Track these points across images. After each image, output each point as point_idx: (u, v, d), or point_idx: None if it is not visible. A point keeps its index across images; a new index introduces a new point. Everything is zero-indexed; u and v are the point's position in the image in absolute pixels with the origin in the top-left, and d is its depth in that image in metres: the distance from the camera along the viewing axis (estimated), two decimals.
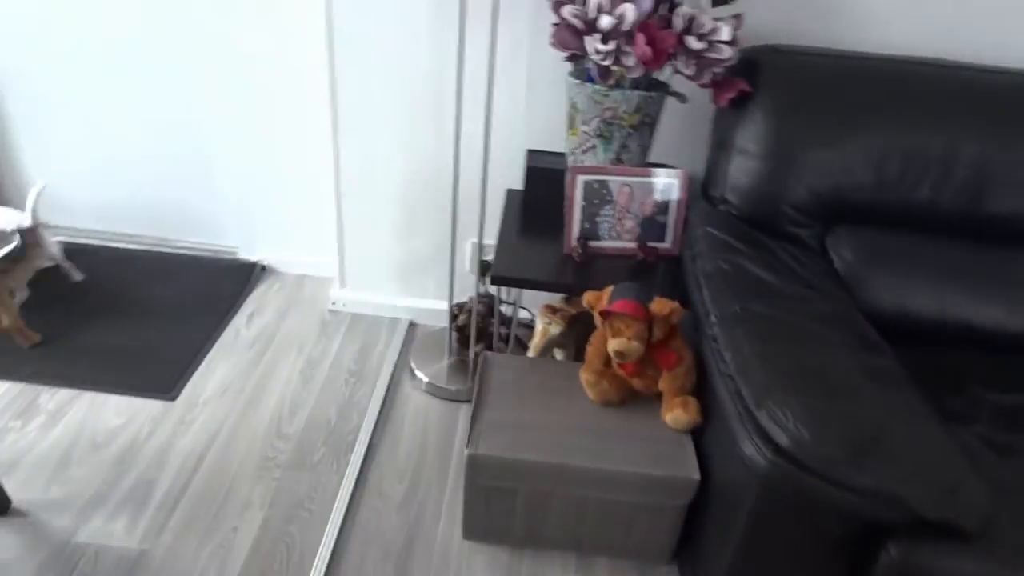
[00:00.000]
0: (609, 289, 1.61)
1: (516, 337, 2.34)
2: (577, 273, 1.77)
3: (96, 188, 2.70)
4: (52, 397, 2.06)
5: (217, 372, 2.21)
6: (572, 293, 1.83)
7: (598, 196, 1.79)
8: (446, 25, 1.97)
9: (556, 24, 1.54)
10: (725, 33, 1.53)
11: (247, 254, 2.74)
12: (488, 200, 2.23)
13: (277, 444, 1.98)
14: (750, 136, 1.67)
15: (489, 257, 2.20)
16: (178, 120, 2.54)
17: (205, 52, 2.35)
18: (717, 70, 1.58)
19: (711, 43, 1.53)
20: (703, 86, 1.62)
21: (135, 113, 2.54)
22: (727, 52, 1.54)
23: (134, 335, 2.31)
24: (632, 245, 1.84)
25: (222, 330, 2.40)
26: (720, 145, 1.76)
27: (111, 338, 2.28)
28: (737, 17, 1.56)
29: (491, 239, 2.30)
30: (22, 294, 2.37)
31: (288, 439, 2.00)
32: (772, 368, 1.28)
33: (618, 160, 1.78)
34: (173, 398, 2.11)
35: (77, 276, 2.48)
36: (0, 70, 2.49)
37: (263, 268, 2.74)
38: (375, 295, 2.53)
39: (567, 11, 1.49)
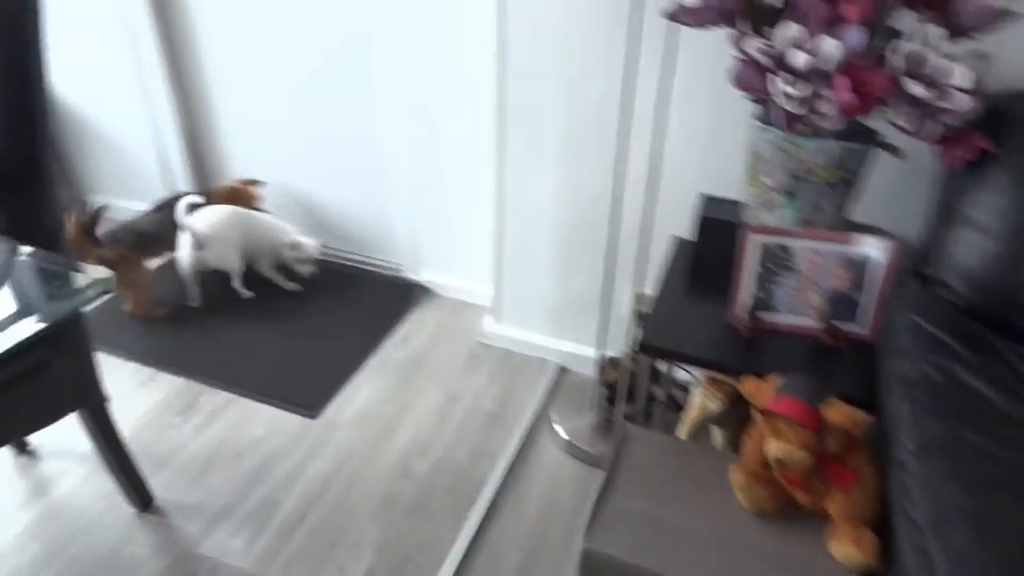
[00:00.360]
0: (775, 378, 1.33)
1: (671, 397, 2.09)
2: (742, 350, 1.50)
3: (275, 197, 2.85)
4: (212, 399, 2.16)
5: (360, 394, 2.20)
6: (732, 374, 1.56)
7: (777, 261, 1.50)
8: (618, 56, 1.79)
9: (738, 59, 1.29)
10: (962, 78, 1.19)
11: (411, 273, 2.73)
12: (652, 246, 2.01)
13: (401, 484, 1.90)
14: (988, 208, 1.30)
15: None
16: (358, 136, 2.60)
17: (386, 76, 2.37)
18: (948, 121, 1.25)
19: (941, 89, 1.21)
20: (926, 141, 1.28)
21: (316, 127, 2.63)
22: (964, 102, 1.20)
23: (296, 344, 2.38)
24: (814, 324, 1.53)
25: (375, 350, 2.40)
26: (945, 214, 1.40)
27: (275, 345, 2.37)
28: (982, 58, 1.22)
29: (652, 289, 2.07)
30: (271, 272, 2.66)
31: (413, 479, 1.92)
32: (981, 532, 0.95)
33: (807, 222, 1.49)
34: (315, 416, 2.12)
35: (245, 294, 2.64)
36: (206, 82, 2.71)
37: (424, 289, 2.72)
38: (527, 333, 2.41)
39: (752, 46, 1.24)
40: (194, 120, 2.82)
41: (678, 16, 1.35)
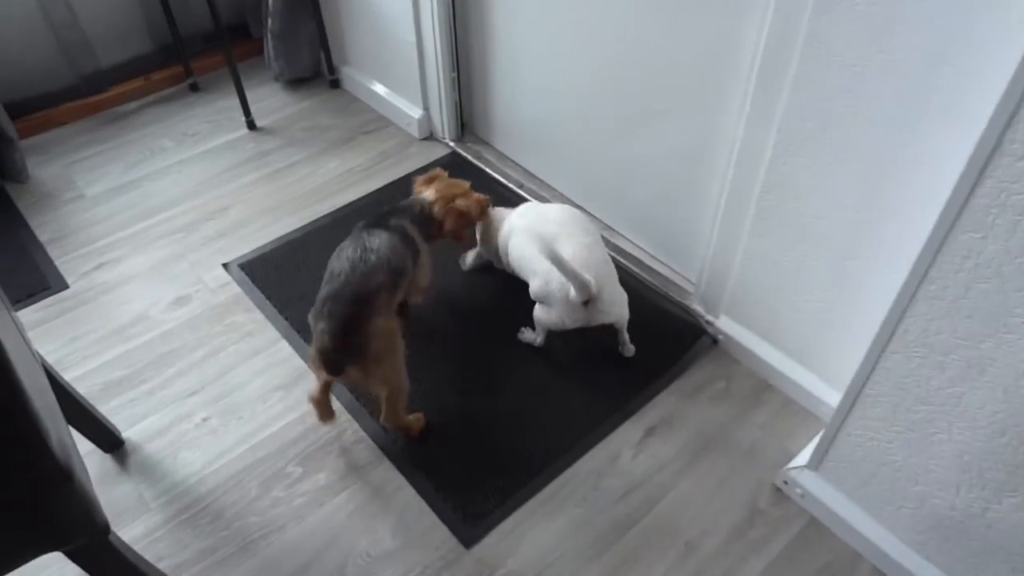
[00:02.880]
0: None
1: None
2: None
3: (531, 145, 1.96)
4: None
5: (546, 531, 1.38)
6: None
7: None
8: None
9: None
10: None
11: (704, 311, 1.72)
12: None
13: None
14: None
15: None
16: (684, 147, 1.56)
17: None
18: None
19: None
20: None
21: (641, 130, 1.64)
22: None
23: (532, 395, 1.59)
24: None
25: (606, 434, 1.53)
26: None
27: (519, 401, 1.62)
28: None
29: None
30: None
31: None
32: None
33: None
34: (466, 544, 1.36)
35: (630, 349, 1.69)
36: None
37: (715, 342, 1.70)
38: (861, 509, 1.31)
39: None
40: (469, 34, 2.01)
41: None
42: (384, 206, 1.61)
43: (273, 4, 2.36)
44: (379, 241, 1.43)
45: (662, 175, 1.73)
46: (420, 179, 1.66)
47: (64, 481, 0.89)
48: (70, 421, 1.41)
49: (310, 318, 1.37)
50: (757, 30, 1.28)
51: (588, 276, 1.44)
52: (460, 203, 1.59)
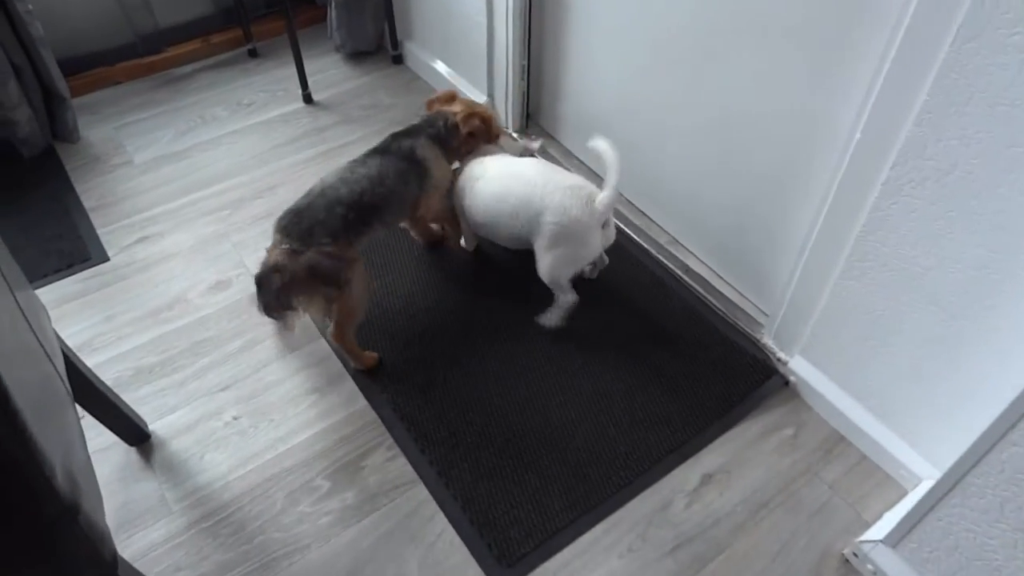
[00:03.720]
0: None
1: None
2: None
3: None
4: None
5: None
6: None
7: None
8: None
9: None
10: None
11: (776, 348, 1.57)
12: None
13: None
14: None
15: None
16: (775, 164, 1.40)
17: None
18: None
19: None
20: None
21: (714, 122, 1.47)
22: None
23: (579, 425, 1.48)
24: None
25: (659, 477, 1.40)
26: None
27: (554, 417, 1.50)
28: None
29: None
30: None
31: None
32: None
33: None
34: None
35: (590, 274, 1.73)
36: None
37: (787, 384, 1.55)
38: None
39: None
40: (544, 17, 1.86)
41: None
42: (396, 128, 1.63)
43: None
44: (364, 171, 1.48)
45: (745, 192, 1.57)
46: (436, 98, 1.69)
47: (70, 519, 0.81)
48: (94, 413, 1.35)
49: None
50: (884, 43, 1.10)
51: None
52: (482, 112, 1.65)
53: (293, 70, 2.25)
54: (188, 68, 2.42)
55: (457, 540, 1.31)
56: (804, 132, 1.38)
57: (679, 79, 1.59)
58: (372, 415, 1.49)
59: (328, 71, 2.42)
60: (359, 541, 1.32)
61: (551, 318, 1.60)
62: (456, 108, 1.64)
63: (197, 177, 2.03)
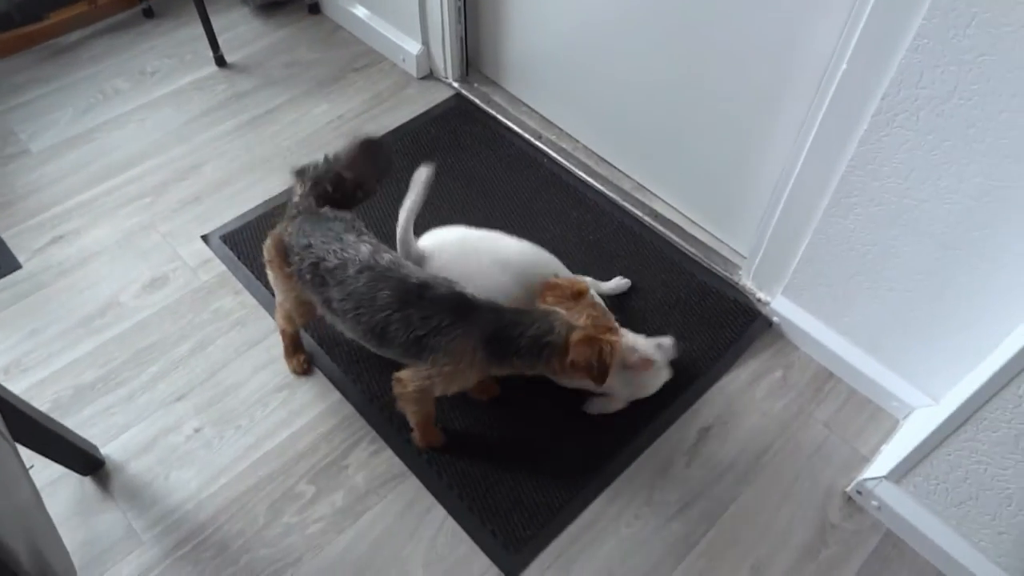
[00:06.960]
0: None
1: None
2: None
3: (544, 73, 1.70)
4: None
5: (597, 555, 1.22)
6: None
7: None
8: None
9: None
10: None
11: (755, 289, 1.54)
12: None
13: None
14: None
15: None
16: (746, 99, 1.31)
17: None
18: None
19: None
20: None
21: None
22: None
23: (568, 400, 1.41)
24: None
25: (655, 437, 1.36)
26: None
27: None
28: None
29: None
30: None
31: None
32: None
33: None
34: (509, 574, 1.21)
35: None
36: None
37: (770, 325, 1.53)
38: (951, 529, 1.18)
39: None
40: None
41: None
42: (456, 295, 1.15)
43: None
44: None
45: (714, 130, 1.50)
46: (559, 285, 1.20)
47: None
48: (34, 447, 1.20)
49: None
50: None
51: None
52: (609, 342, 1.09)
53: (199, 30, 2.01)
54: (75, 35, 2.15)
55: (458, 530, 1.25)
56: (776, 63, 1.30)
57: (637, 4, 1.48)
58: (348, 408, 1.39)
59: (238, 27, 2.19)
60: (355, 546, 1.23)
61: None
62: (578, 317, 1.13)
63: (108, 162, 1.81)
